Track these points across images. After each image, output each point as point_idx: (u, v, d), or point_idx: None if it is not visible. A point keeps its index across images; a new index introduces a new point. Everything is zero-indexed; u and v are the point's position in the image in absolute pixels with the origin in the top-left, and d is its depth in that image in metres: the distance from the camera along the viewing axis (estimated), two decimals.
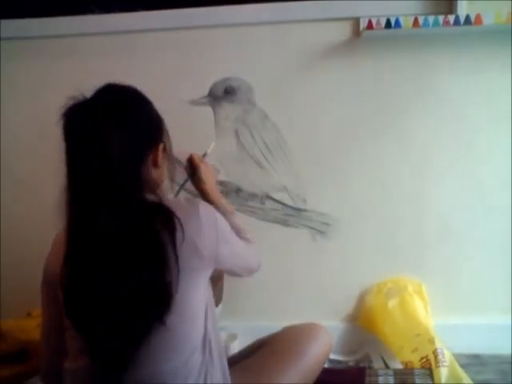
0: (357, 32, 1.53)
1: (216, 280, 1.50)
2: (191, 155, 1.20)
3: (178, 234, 0.81)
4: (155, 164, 0.92)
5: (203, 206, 0.90)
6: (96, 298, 0.80)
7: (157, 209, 0.83)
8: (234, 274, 1.05)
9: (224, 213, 1.13)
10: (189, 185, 1.28)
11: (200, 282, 0.87)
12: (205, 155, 1.26)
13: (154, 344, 0.79)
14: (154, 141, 0.92)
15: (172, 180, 1.02)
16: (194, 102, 1.60)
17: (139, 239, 0.79)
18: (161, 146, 0.93)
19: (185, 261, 0.82)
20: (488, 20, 1.39)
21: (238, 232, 1.08)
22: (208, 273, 0.90)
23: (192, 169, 1.20)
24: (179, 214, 0.83)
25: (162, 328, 0.79)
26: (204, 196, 1.19)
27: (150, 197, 0.86)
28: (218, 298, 1.47)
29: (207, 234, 0.87)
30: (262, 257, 1.11)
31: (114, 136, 0.81)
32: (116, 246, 0.79)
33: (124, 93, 0.91)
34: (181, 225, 0.82)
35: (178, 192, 1.27)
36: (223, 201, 1.21)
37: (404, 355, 1.49)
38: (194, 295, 0.85)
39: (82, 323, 0.82)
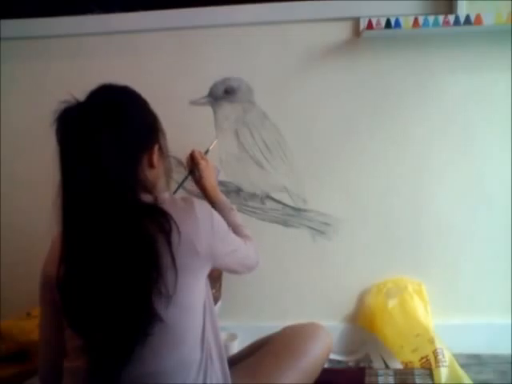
0: (357, 32, 1.53)
1: (215, 279, 1.51)
2: (192, 151, 1.23)
3: (174, 236, 0.81)
4: (151, 165, 0.92)
5: (199, 205, 0.90)
6: (91, 298, 0.80)
7: (152, 211, 0.83)
8: (232, 271, 1.05)
9: (223, 209, 1.14)
10: (188, 184, 1.28)
11: (198, 280, 0.87)
12: (207, 152, 1.28)
13: (152, 342, 0.80)
14: (148, 142, 0.91)
15: (169, 179, 1.03)
16: (194, 102, 1.60)
17: (132, 241, 0.79)
18: (156, 147, 0.93)
19: (182, 260, 0.82)
20: (488, 20, 1.39)
21: (237, 229, 1.09)
22: (206, 271, 0.90)
23: (192, 164, 1.22)
24: (175, 213, 0.83)
25: (159, 325, 0.79)
26: (204, 192, 1.21)
27: (146, 197, 0.86)
28: (216, 297, 1.48)
29: (204, 232, 0.87)
30: (259, 254, 1.11)
31: (106, 139, 0.81)
32: (109, 248, 0.80)
33: (118, 94, 0.91)
34: (177, 227, 0.82)
35: (176, 189, 1.28)
36: (223, 197, 1.22)
37: (404, 355, 1.49)
38: (192, 293, 0.85)
39: (79, 323, 0.82)
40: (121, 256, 0.79)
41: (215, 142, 1.33)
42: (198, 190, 1.25)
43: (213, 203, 1.16)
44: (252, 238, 1.12)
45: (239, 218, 1.18)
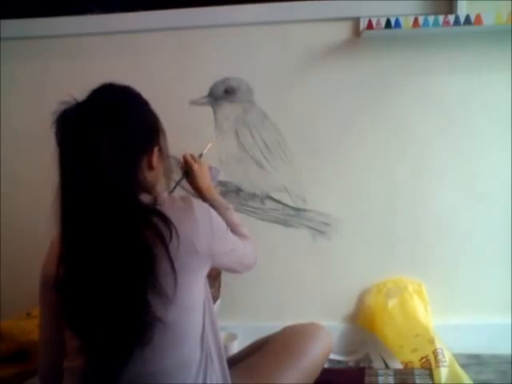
0: (357, 32, 1.53)
1: (213, 278, 1.51)
2: (184, 155, 1.24)
3: (174, 239, 0.81)
4: (150, 166, 0.91)
5: (198, 205, 0.90)
6: (90, 298, 0.80)
7: (151, 213, 0.82)
8: (230, 270, 1.06)
9: (220, 208, 1.14)
10: (187, 185, 1.29)
11: (198, 280, 0.87)
12: (200, 155, 1.29)
13: (152, 342, 0.79)
14: (148, 143, 0.91)
15: (168, 179, 1.03)
16: (194, 102, 1.60)
17: (131, 243, 0.79)
18: (156, 148, 0.92)
19: (182, 260, 0.82)
20: (488, 20, 1.39)
21: (234, 227, 1.09)
22: (205, 270, 0.90)
23: (186, 167, 1.23)
24: (174, 214, 0.83)
25: (159, 326, 0.79)
26: (199, 193, 1.22)
27: (145, 197, 0.86)
28: (215, 296, 1.48)
29: (203, 232, 0.87)
30: (259, 253, 1.11)
31: (106, 139, 0.80)
32: (108, 249, 0.79)
33: (118, 94, 0.91)
34: (176, 230, 0.81)
35: (173, 189, 1.29)
36: (218, 197, 1.22)
37: (404, 355, 1.49)
38: (192, 293, 0.85)
39: (78, 324, 0.82)
40: (118, 257, 0.79)
41: (209, 145, 1.33)
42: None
43: (208, 203, 1.16)
44: (249, 236, 1.12)
45: (236, 217, 1.18)
